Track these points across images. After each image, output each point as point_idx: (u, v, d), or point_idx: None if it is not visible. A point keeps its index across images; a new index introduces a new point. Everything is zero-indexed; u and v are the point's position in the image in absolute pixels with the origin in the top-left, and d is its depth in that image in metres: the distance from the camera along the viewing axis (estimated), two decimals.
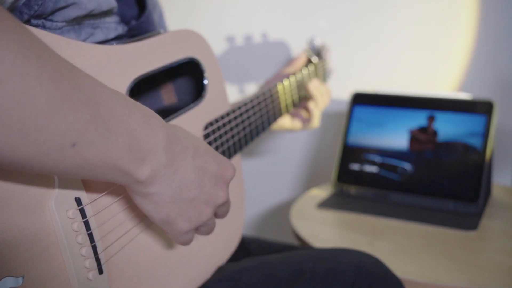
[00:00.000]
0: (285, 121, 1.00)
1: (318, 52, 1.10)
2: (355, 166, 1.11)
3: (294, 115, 1.03)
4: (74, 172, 0.42)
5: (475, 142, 1.02)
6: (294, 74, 0.97)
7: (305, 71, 1.00)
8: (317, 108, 1.01)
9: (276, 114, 0.90)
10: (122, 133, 0.43)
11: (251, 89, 1.35)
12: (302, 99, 1.01)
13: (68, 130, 0.38)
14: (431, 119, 1.07)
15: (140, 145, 0.44)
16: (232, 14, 1.33)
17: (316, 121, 1.02)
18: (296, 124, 1.02)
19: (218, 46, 1.32)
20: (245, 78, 1.36)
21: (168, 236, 0.55)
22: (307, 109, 1.02)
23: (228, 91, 0.77)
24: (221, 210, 0.57)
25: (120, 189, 0.55)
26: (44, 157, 0.38)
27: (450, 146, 1.04)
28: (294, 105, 0.97)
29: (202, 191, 0.51)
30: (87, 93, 0.40)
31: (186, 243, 0.55)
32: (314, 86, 1.00)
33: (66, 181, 0.48)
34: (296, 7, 1.32)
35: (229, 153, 0.74)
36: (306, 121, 1.02)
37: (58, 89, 0.38)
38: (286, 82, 0.92)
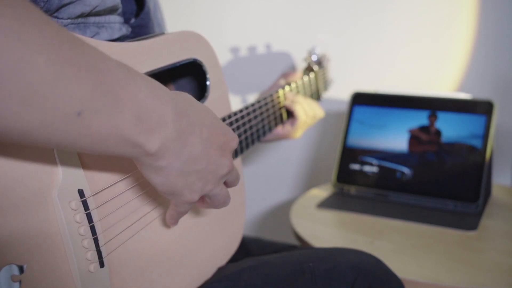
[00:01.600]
0: (278, 129, 0.96)
1: (319, 61, 1.10)
2: (355, 166, 1.11)
3: (285, 124, 0.98)
4: (83, 144, 0.40)
5: (475, 142, 1.02)
6: (295, 81, 0.97)
7: (306, 79, 1.00)
8: (301, 128, 0.97)
9: (277, 119, 0.90)
10: (129, 102, 0.41)
11: (254, 98, 1.35)
12: None
13: (72, 98, 0.37)
14: (433, 117, 1.07)
15: (148, 116, 0.43)
16: (236, 25, 1.33)
17: (299, 133, 0.98)
18: (287, 127, 0.97)
19: (222, 57, 1.32)
20: (248, 88, 1.37)
21: (171, 203, 0.55)
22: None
23: (231, 101, 0.78)
24: (230, 179, 0.56)
25: (124, 183, 0.55)
26: (50, 127, 0.37)
27: (450, 146, 1.04)
28: None
29: (209, 161, 0.51)
30: (90, 60, 0.39)
31: (185, 211, 0.56)
32: (299, 107, 0.94)
33: (69, 172, 0.48)
34: (298, 15, 1.32)
35: None
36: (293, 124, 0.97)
37: (59, 54, 0.36)
38: (287, 88, 0.93)
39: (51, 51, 0.36)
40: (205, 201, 0.57)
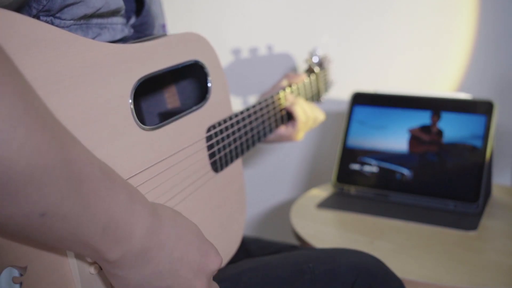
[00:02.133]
0: (280, 130, 0.96)
1: (320, 62, 1.10)
2: (355, 166, 1.11)
3: (287, 125, 0.98)
4: (39, 239, 0.40)
5: (475, 142, 1.02)
6: (296, 83, 0.97)
7: (306, 80, 1.01)
8: (302, 130, 0.97)
9: (277, 121, 0.90)
10: (100, 214, 0.40)
11: (255, 100, 1.35)
12: None
13: (39, 201, 0.36)
14: (435, 117, 1.07)
15: (116, 229, 0.42)
16: (237, 27, 1.33)
17: (300, 135, 0.98)
18: (289, 129, 0.97)
19: (223, 58, 1.32)
20: (249, 90, 1.37)
21: None
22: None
23: (233, 103, 0.78)
24: None
25: None
26: (7, 219, 0.36)
27: (450, 146, 1.04)
28: None
29: (177, 281, 0.48)
30: (73, 169, 0.38)
31: None
32: (300, 109, 0.94)
33: None
34: (299, 17, 1.32)
35: (231, 157, 0.74)
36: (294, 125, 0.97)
37: (40, 162, 0.35)
38: (288, 90, 0.93)
39: (33, 159, 0.35)
40: None
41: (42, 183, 0.36)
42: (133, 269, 0.45)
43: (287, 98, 0.94)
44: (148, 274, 0.46)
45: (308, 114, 0.96)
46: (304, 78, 1.02)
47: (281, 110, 0.92)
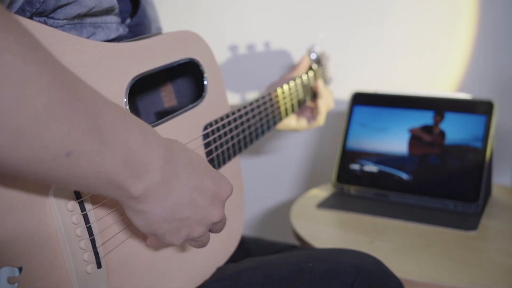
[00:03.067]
0: (290, 121, 1.02)
1: (318, 59, 1.10)
2: (355, 166, 1.11)
3: (299, 114, 1.04)
4: (68, 181, 0.41)
5: (475, 142, 1.02)
6: (294, 79, 0.97)
7: (304, 77, 1.00)
8: (324, 106, 1.03)
9: (275, 118, 0.90)
10: (119, 147, 0.42)
11: (253, 97, 1.35)
12: (301, 104, 1.01)
13: (64, 139, 0.38)
14: (438, 117, 1.06)
15: (136, 161, 0.43)
16: (235, 23, 1.33)
17: (322, 119, 1.03)
18: (302, 123, 1.04)
19: (221, 55, 1.32)
20: (247, 86, 1.37)
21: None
22: (314, 107, 1.04)
23: (230, 99, 0.77)
24: (215, 227, 0.56)
25: None
26: (38, 164, 0.38)
27: (450, 146, 1.04)
28: (293, 110, 0.97)
29: (195, 211, 0.50)
30: (87, 103, 0.40)
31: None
32: (322, 85, 1.03)
33: None
34: (298, 14, 1.32)
35: (228, 155, 0.74)
36: (312, 119, 1.04)
37: (57, 97, 0.37)
38: (286, 87, 0.93)
39: (50, 94, 0.37)
40: None
41: (62, 118, 0.37)
42: (156, 202, 0.47)
43: (318, 81, 1.03)
44: (170, 206, 0.48)
45: (329, 105, 1.04)
46: (309, 63, 1.07)
47: (279, 107, 0.92)
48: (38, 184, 0.46)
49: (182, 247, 0.64)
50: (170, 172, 0.47)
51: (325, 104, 1.03)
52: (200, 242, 0.55)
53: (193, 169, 0.50)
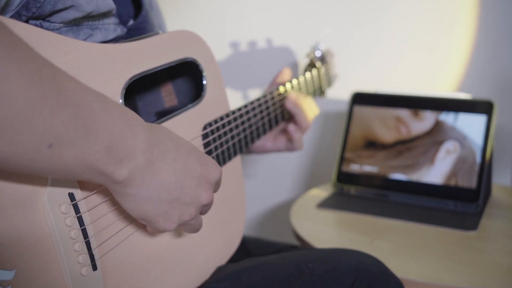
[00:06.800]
0: (266, 143, 0.93)
1: (323, 57, 1.09)
2: (355, 167, 1.11)
3: (276, 136, 0.94)
4: (51, 171, 0.42)
5: (475, 142, 1.02)
6: (297, 77, 0.96)
7: (308, 75, 0.99)
8: (298, 131, 0.90)
9: (277, 117, 0.89)
10: (101, 135, 0.43)
11: (255, 95, 1.35)
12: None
13: (45, 132, 0.38)
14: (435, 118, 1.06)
15: (118, 147, 0.44)
16: (236, 20, 1.33)
17: (299, 144, 0.91)
18: (279, 145, 0.93)
19: (222, 52, 1.32)
20: (249, 84, 1.36)
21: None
22: (286, 132, 0.92)
23: (232, 97, 0.77)
24: (203, 210, 0.56)
25: None
26: (19, 156, 0.38)
27: (450, 146, 1.04)
28: None
29: (183, 192, 0.51)
30: (67, 95, 0.40)
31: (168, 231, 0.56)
32: (292, 102, 0.88)
33: None
34: (299, 11, 1.32)
35: (228, 155, 0.74)
36: (288, 144, 0.93)
37: (37, 92, 0.38)
38: (288, 85, 0.92)
39: (30, 90, 0.37)
40: None
41: (43, 112, 0.38)
42: (141, 184, 0.48)
43: (289, 97, 0.89)
44: (156, 187, 0.49)
45: (310, 116, 0.92)
46: (290, 76, 0.96)
47: (281, 106, 0.89)
48: (30, 184, 0.46)
49: (181, 248, 0.64)
50: (153, 155, 0.48)
51: (299, 129, 0.90)
52: (193, 226, 0.56)
53: (179, 151, 0.51)
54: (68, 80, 0.41)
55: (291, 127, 0.89)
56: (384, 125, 1.10)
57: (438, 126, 1.05)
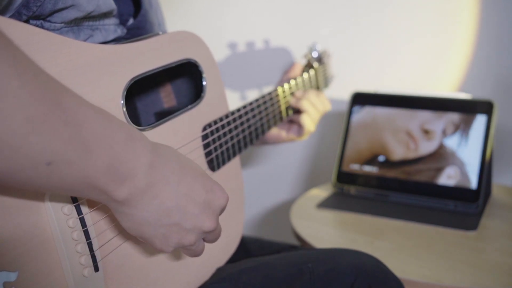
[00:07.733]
0: (281, 132, 0.96)
1: (320, 57, 1.09)
2: (355, 166, 1.11)
3: (288, 126, 0.98)
4: (50, 188, 0.41)
5: (475, 142, 1.02)
6: (294, 78, 0.96)
7: (305, 76, 0.99)
8: (310, 119, 0.94)
9: (276, 117, 0.89)
10: (102, 154, 0.42)
11: (253, 95, 1.35)
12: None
13: (44, 150, 0.38)
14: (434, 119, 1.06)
15: (119, 167, 0.43)
16: (234, 21, 1.33)
17: (309, 128, 0.95)
18: (292, 134, 0.97)
19: (220, 53, 1.32)
20: (246, 84, 1.36)
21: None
22: (297, 122, 0.96)
23: (230, 98, 0.77)
24: (208, 237, 0.54)
25: None
26: (18, 173, 0.38)
27: (449, 146, 1.04)
28: (294, 109, 0.96)
29: (184, 217, 0.49)
30: (69, 113, 0.39)
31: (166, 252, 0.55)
32: (298, 98, 0.93)
33: None
34: (298, 12, 1.32)
35: (227, 155, 0.74)
36: (301, 130, 0.96)
37: (37, 109, 0.37)
38: (286, 86, 0.92)
39: (30, 108, 0.36)
40: None
41: (43, 131, 0.37)
42: (140, 206, 0.46)
43: (295, 94, 0.94)
44: (155, 210, 0.47)
45: (318, 107, 0.95)
46: (301, 68, 1.02)
47: (280, 106, 0.90)
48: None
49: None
50: (156, 177, 0.46)
51: (311, 123, 0.94)
52: (193, 251, 0.54)
53: (184, 175, 0.49)
54: (71, 98, 0.41)
55: (304, 117, 0.93)
56: (395, 137, 1.10)
57: (442, 149, 1.05)
